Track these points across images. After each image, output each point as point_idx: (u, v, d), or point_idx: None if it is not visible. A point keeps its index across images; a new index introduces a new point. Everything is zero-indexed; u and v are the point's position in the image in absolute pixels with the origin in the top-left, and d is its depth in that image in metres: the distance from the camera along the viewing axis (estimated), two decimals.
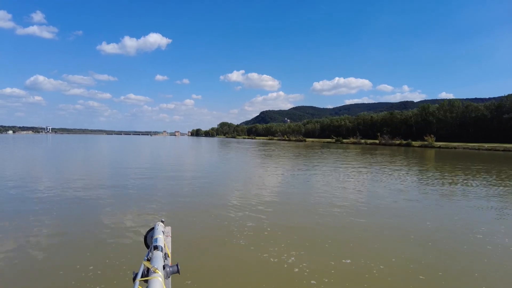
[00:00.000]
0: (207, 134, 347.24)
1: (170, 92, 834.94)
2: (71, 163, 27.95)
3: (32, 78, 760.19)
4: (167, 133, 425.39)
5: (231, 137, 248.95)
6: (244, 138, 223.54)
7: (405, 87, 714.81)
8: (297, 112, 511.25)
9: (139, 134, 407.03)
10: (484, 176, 21.01)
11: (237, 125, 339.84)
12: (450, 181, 18.58)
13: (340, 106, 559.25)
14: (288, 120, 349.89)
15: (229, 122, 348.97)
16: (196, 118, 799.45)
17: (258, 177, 19.28)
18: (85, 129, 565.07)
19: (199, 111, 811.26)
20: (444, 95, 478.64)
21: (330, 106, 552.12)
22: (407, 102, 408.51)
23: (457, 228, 8.90)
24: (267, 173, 21.70)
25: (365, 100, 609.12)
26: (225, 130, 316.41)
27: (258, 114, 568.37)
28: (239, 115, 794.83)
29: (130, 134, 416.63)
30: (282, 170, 23.40)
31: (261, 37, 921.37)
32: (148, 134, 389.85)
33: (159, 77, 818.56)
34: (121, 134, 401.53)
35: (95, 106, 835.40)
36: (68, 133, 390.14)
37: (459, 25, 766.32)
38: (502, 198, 13.50)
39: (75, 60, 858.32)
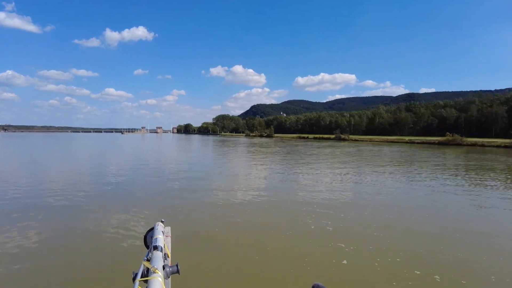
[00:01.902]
0: (204, 130, 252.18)
1: (152, 88, 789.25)
2: None
3: (3, 73, 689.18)
4: (147, 130, 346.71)
5: (259, 136, 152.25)
6: (301, 137, 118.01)
7: (388, 83, 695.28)
8: (291, 106, 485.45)
9: (112, 132, 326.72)
10: None
11: (252, 117, 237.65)
12: None
13: (333, 100, 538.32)
14: (284, 114, 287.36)
15: (210, 119, 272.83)
16: (178, 114, 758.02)
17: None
18: (50, 126, 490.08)
19: (181, 107, 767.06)
20: (424, 90, 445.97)
21: (317, 101, 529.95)
22: (413, 94, 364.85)
23: None
24: None
25: (347, 95, 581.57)
26: (228, 125, 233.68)
27: (249, 109, 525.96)
28: (222, 111, 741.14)
29: (101, 132, 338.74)
30: None
31: (247, 32, 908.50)
32: (120, 132, 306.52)
33: (140, 71, 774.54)
34: (90, 132, 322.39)
35: (73, 102, 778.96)
36: (23, 131, 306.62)
37: (443, 20, 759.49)
38: None
39: (51, 55, 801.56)
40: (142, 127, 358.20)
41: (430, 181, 17.37)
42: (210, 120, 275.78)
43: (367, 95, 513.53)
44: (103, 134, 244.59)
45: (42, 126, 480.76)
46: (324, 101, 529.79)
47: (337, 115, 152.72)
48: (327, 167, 24.19)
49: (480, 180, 18.06)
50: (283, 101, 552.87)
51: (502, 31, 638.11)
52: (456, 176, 19.92)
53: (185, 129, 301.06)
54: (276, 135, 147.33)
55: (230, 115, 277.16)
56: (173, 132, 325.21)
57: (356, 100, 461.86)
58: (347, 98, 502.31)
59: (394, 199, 12.89)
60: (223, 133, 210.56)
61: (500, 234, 8.41)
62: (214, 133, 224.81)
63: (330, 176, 19.27)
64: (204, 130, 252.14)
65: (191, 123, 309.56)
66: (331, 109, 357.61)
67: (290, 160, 31.57)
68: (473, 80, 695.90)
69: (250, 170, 22.73)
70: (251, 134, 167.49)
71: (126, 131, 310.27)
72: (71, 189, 14.07)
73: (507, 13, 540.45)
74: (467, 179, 18.65)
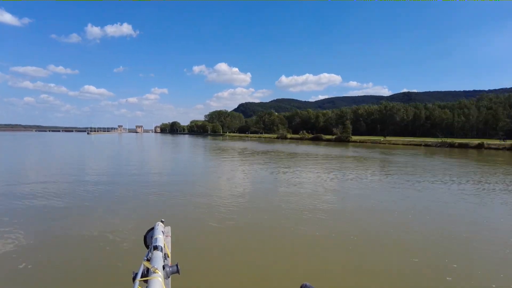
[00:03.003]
0: (198, 130, 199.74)
1: (133, 86, 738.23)
2: None
3: None
4: (124, 129, 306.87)
5: (309, 139, 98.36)
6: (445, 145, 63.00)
7: (370, 84, 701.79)
8: (281, 105, 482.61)
9: (85, 131, 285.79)
10: None
11: (270, 112, 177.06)
12: None
13: (323, 99, 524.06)
14: (276, 113, 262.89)
15: (197, 117, 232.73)
16: (160, 114, 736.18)
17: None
18: (15, 125, 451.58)
19: (163, 106, 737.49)
20: (405, 90, 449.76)
21: (304, 100, 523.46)
22: (410, 93, 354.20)
23: None
24: None
25: (331, 96, 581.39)
26: (230, 124, 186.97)
27: (236, 107, 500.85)
28: (205, 110, 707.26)
29: (72, 131, 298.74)
30: None
31: (230, 31, 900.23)
32: (85, 131, 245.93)
33: (121, 69, 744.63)
34: (59, 131, 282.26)
35: (50, 100, 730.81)
36: None
37: (424, 23, 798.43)
38: None
39: (28, 50, 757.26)
40: (119, 126, 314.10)
41: None
42: (195, 119, 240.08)
43: (351, 95, 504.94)
44: (73, 133, 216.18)
45: (5, 125, 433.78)
46: (311, 100, 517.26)
47: (406, 108, 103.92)
48: None
49: None
50: (267, 100, 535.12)
51: (483, 33, 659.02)
52: None
53: (171, 128, 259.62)
54: (354, 137, 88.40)
55: (197, 118, 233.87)
56: (155, 132, 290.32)
57: (347, 100, 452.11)
58: (336, 98, 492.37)
59: None
60: (228, 134, 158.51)
61: None
62: (214, 133, 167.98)
63: None
64: (198, 129, 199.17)
65: (174, 122, 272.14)
66: (322, 108, 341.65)
67: None
68: (454, 81, 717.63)
69: None
70: (289, 136, 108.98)
71: (95, 131, 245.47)
72: None
73: (488, 16, 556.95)
74: None
